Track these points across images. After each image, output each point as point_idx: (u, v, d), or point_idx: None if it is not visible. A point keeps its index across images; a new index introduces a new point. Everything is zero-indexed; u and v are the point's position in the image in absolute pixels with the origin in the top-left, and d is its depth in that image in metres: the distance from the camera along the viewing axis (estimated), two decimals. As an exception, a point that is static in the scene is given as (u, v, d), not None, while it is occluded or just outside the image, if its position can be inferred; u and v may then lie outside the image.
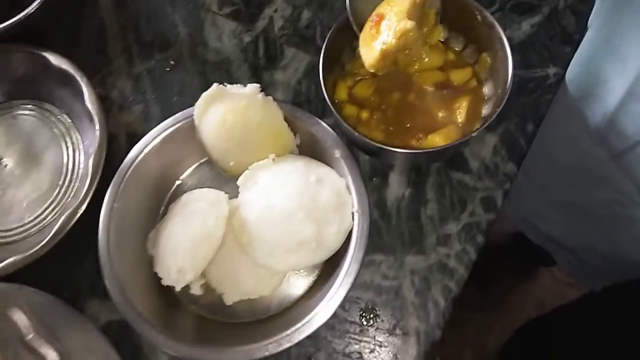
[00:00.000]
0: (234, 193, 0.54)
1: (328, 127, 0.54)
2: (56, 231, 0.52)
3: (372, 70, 0.50)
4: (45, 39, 0.61)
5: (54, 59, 0.59)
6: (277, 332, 0.47)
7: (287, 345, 0.46)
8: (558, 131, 0.65)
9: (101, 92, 0.63)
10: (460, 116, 0.52)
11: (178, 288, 0.51)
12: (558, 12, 0.64)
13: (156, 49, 0.67)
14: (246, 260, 0.51)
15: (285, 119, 0.54)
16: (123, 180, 0.53)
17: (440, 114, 0.53)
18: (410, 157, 0.53)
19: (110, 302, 0.49)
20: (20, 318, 0.39)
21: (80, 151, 0.62)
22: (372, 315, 0.53)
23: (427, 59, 0.54)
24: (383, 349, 0.52)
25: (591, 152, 0.61)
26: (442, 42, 0.55)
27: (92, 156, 0.54)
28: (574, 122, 0.61)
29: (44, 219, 0.59)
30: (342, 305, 0.47)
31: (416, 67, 0.54)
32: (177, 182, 0.59)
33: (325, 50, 0.51)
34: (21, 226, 0.59)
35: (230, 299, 0.52)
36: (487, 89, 0.53)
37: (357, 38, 0.51)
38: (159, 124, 0.56)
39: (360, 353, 0.52)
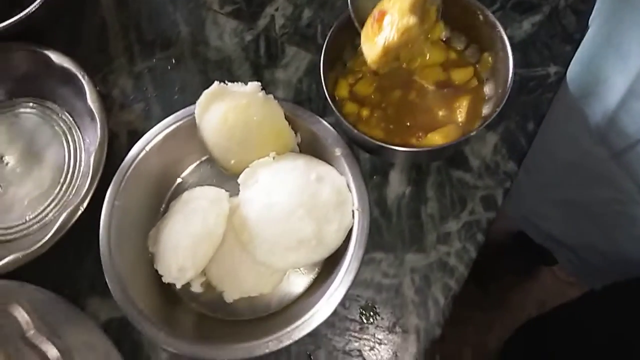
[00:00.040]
0: (234, 191, 0.54)
1: (329, 126, 0.54)
2: (57, 229, 0.52)
3: (374, 67, 0.50)
4: (46, 38, 0.61)
5: (56, 58, 0.59)
6: (277, 329, 0.47)
7: (287, 342, 0.46)
8: (559, 130, 0.65)
9: (102, 91, 0.64)
10: (461, 115, 0.52)
11: (179, 285, 0.51)
12: (559, 11, 0.64)
13: (157, 48, 0.67)
14: (247, 258, 0.52)
15: (286, 117, 0.54)
16: (124, 178, 0.54)
17: (440, 113, 0.53)
18: (410, 156, 0.53)
19: (110, 300, 0.49)
20: (21, 315, 0.39)
21: (81, 149, 0.62)
22: (372, 313, 0.53)
23: (428, 55, 0.54)
24: (383, 346, 0.52)
25: (592, 151, 0.61)
26: (443, 41, 0.55)
27: (93, 154, 0.55)
28: (574, 121, 0.61)
29: (45, 216, 0.59)
30: (342, 303, 0.48)
31: (418, 64, 0.54)
32: (178, 180, 0.59)
33: (326, 47, 0.51)
34: (22, 224, 0.59)
35: (230, 296, 0.52)
36: (487, 89, 0.53)
37: (358, 35, 0.51)
38: (160, 122, 0.56)
39: (360, 351, 0.52)
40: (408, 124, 0.52)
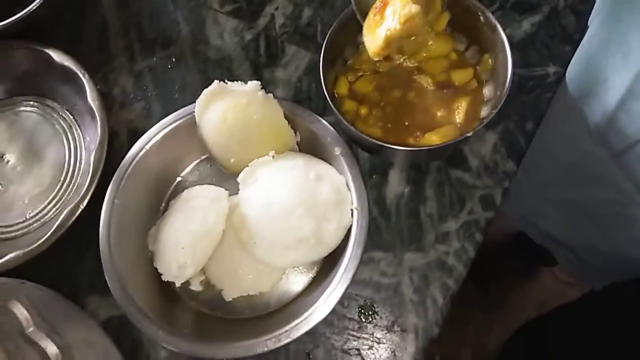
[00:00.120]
0: (234, 190, 0.54)
1: (328, 125, 0.54)
2: (57, 227, 0.52)
3: (376, 58, 0.50)
4: (47, 36, 0.62)
5: (57, 56, 0.59)
6: (276, 328, 0.47)
7: (286, 341, 0.47)
8: (558, 130, 0.65)
9: (103, 89, 0.64)
10: (459, 116, 0.52)
11: (178, 284, 0.51)
12: (558, 11, 0.64)
13: (158, 47, 0.67)
14: (246, 256, 0.52)
15: (286, 117, 0.54)
16: (124, 176, 0.54)
17: (439, 114, 0.53)
18: (409, 155, 0.53)
19: (110, 298, 0.49)
20: (20, 311, 0.39)
21: (81, 148, 0.62)
22: (370, 312, 0.53)
23: (433, 47, 0.53)
24: (381, 345, 0.52)
25: (591, 151, 0.61)
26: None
27: (94, 153, 0.55)
28: (573, 121, 0.62)
29: (46, 214, 0.59)
30: (341, 302, 0.48)
31: (423, 55, 0.54)
32: (178, 179, 0.59)
33: (325, 46, 0.51)
34: (22, 222, 0.59)
35: (229, 295, 0.52)
36: (487, 91, 0.53)
37: (360, 33, 0.51)
38: (160, 121, 0.56)
39: (358, 349, 0.52)
40: (406, 123, 0.52)
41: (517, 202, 0.82)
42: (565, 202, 0.73)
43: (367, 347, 0.53)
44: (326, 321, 0.48)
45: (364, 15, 0.51)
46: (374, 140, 0.48)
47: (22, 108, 0.65)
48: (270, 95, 0.53)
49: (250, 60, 0.65)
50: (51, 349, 0.38)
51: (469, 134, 0.47)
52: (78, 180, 0.60)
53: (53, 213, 0.59)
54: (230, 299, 0.52)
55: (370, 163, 0.58)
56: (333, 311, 0.47)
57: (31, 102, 0.65)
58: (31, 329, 0.39)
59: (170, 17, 0.69)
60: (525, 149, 0.58)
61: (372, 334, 0.53)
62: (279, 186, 0.51)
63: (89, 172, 0.54)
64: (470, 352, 1.21)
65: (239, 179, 0.54)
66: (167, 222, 0.53)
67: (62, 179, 0.61)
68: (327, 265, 0.53)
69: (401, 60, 0.54)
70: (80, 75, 0.58)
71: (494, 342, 1.18)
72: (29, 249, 0.52)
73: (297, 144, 0.56)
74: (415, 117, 0.53)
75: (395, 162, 0.58)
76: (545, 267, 1.25)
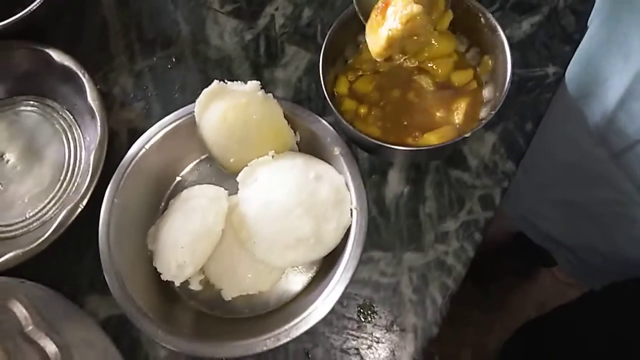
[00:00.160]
0: (233, 189, 0.54)
1: (328, 125, 0.54)
2: (57, 226, 0.52)
3: (379, 59, 0.50)
4: (47, 36, 0.62)
5: (57, 56, 0.59)
6: (275, 327, 0.48)
7: (285, 340, 0.47)
8: (557, 130, 0.65)
9: (103, 89, 0.64)
10: (458, 117, 0.52)
11: (177, 283, 0.51)
12: (558, 11, 0.64)
13: (158, 47, 0.67)
14: (245, 256, 0.52)
15: (286, 117, 0.54)
16: (124, 176, 0.54)
17: (438, 114, 0.53)
18: (408, 155, 0.53)
19: (109, 297, 0.49)
20: (19, 310, 0.39)
21: (81, 147, 0.62)
22: (369, 312, 0.54)
23: (436, 46, 0.53)
24: (380, 345, 0.52)
25: (590, 152, 0.61)
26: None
27: (93, 152, 0.55)
28: (573, 122, 0.62)
29: (45, 214, 0.59)
30: (340, 302, 0.48)
31: (426, 55, 0.53)
32: (178, 179, 0.60)
33: (327, 42, 0.51)
34: (22, 221, 0.59)
35: (229, 294, 0.52)
36: (486, 92, 0.53)
37: (361, 33, 0.51)
38: (159, 120, 0.56)
39: (357, 349, 0.53)
40: (405, 123, 0.53)
41: (517, 203, 0.82)
42: (564, 203, 0.73)
43: (366, 346, 0.53)
44: (325, 320, 0.48)
45: (366, 16, 0.51)
46: (373, 140, 0.48)
47: (22, 108, 0.65)
48: (270, 95, 0.53)
49: (250, 61, 0.65)
50: (50, 347, 0.38)
51: (466, 135, 0.47)
52: (78, 180, 0.61)
53: (53, 212, 0.59)
54: (230, 299, 0.52)
55: (369, 163, 0.59)
56: (332, 311, 0.47)
57: (31, 102, 0.65)
58: (30, 327, 0.39)
59: (170, 17, 0.69)
60: (524, 149, 0.58)
61: (371, 333, 0.53)
62: (278, 186, 0.52)
63: (88, 171, 0.54)
64: (470, 352, 1.21)
65: (238, 179, 0.54)
66: (167, 221, 0.53)
67: (62, 178, 0.61)
68: (327, 264, 0.53)
69: (402, 60, 0.54)
70: (80, 75, 0.58)
71: (493, 342, 1.18)
72: (28, 248, 0.52)
73: (297, 143, 0.56)
74: (415, 117, 0.53)
75: (394, 162, 0.58)
76: (545, 267, 1.25)
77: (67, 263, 0.57)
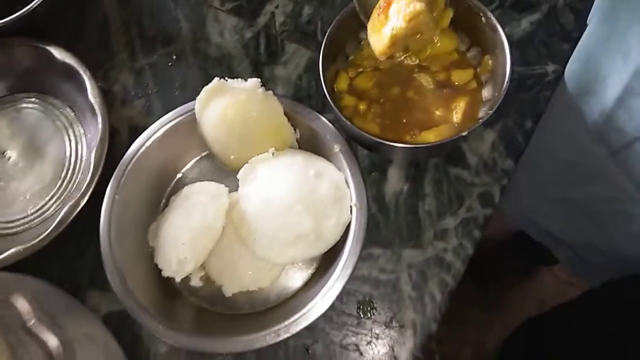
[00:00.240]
0: (234, 186, 0.54)
1: (328, 122, 0.54)
2: (58, 223, 0.52)
3: (382, 58, 0.50)
4: (48, 34, 0.62)
5: (58, 53, 0.60)
6: (276, 323, 0.48)
7: (285, 336, 0.47)
8: (557, 128, 0.65)
9: (104, 86, 0.64)
10: (457, 116, 0.52)
11: (178, 279, 0.51)
12: (557, 9, 0.64)
13: (158, 44, 0.67)
14: (245, 252, 0.52)
15: (286, 114, 0.54)
16: (124, 173, 0.54)
17: (437, 112, 0.53)
18: (407, 152, 0.53)
19: (110, 293, 0.50)
20: (21, 304, 0.39)
21: (82, 144, 0.62)
22: (369, 308, 0.54)
23: (439, 43, 0.53)
24: (380, 340, 0.53)
25: (589, 149, 0.61)
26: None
27: (95, 149, 0.55)
28: (572, 119, 0.62)
29: (47, 210, 0.60)
30: (339, 298, 0.48)
31: (428, 52, 0.54)
32: (178, 176, 0.60)
33: (327, 39, 0.51)
34: (24, 217, 0.60)
35: (229, 290, 0.53)
36: (486, 92, 0.53)
37: (362, 29, 0.51)
38: (160, 117, 0.57)
39: (357, 345, 0.53)
40: (404, 120, 0.53)
41: (517, 201, 0.82)
42: (564, 200, 0.73)
43: (366, 342, 0.53)
44: (325, 317, 0.48)
45: (367, 15, 0.51)
46: (373, 137, 0.48)
47: (24, 105, 0.65)
48: (270, 92, 0.53)
49: (251, 58, 0.65)
50: (52, 341, 0.39)
51: (463, 133, 0.47)
52: (79, 177, 0.61)
53: (54, 209, 0.60)
54: (230, 295, 0.53)
55: (369, 160, 0.59)
56: (332, 307, 0.47)
57: (32, 99, 0.65)
58: (32, 322, 0.39)
59: (170, 15, 0.69)
60: (523, 146, 0.59)
61: (371, 329, 0.53)
62: (278, 183, 0.52)
63: (89, 168, 0.54)
64: (471, 351, 1.21)
65: (238, 176, 0.54)
66: (168, 218, 0.54)
67: (63, 175, 0.61)
68: (326, 261, 0.53)
69: (403, 58, 0.55)
70: (82, 73, 0.59)
71: (494, 340, 1.19)
72: (30, 244, 0.52)
73: (297, 141, 0.56)
74: (413, 115, 0.53)
75: (393, 159, 0.59)
76: (545, 266, 1.25)
77: (68, 259, 0.57)
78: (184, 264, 0.50)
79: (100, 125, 0.56)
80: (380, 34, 0.49)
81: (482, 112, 0.52)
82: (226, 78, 0.53)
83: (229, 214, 0.52)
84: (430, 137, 0.51)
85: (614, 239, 0.68)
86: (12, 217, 0.60)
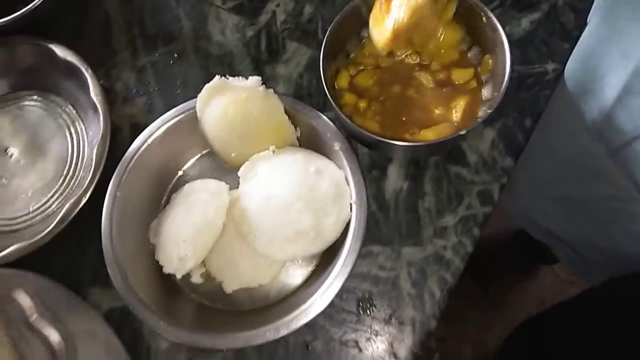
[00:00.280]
0: (234, 184, 0.55)
1: (328, 120, 0.54)
2: (60, 220, 0.53)
3: (385, 52, 0.50)
4: (50, 32, 0.62)
5: (60, 51, 0.60)
6: (276, 319, 0.48)
7: (285, 332, 0.47)
8: (556, 127, 0.65)
9: (105, 84, 0.64)
10: (456, 115, 0.52)
11: (179, 276, 0.52)
12: (557, 8, 0.64)
13: (160, 42, 0.68)
14: (246, 249, 0.52)
15: (286, 112, 0.54)
16: (126, 170, 0.54)
17: (436, 111, 0.53)
18: (407, 150, 0.53)
19: (112, 290, 0.50)
20: (24, 300, 0.40)
21: (84, 142, 0.63)
22: (368, 305, 0.54)
23: (442, 36, 0.53)
24: (379, 337, 0.53)
25: (589, 148, 0.61)
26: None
27: (96, 146, 0.55)
28: (572, 118, 0.62)
29: (48, 207, 0.60)
30: (339, 295, 0.48)
31: (432, 46, 0.54)
32: (179, 173, 0.60)
33: (328, 36, 0.51)
34: (26, 215, 0.60)
35: (230, 287, 0.53)
36: (486, 91, 0.53)
37: (364, 27, 0.51)
38: (161, 115, 0.57)
39: (356, 341, 0.53)
40: (404, 119, 0.53)
41: (516, 199, 0.83)
42: (563, 199, 0.73)
43: (365, 339, 0.53)
44: (325, 313, 0.48)
45: (369, 9, 0.51)
46: (373, 135, 0.48)
47: (26, 102, 0.65)
48: (271, 90, 0.54)
49: (252, 57, 0.66)
50: (54, 337, 0.39)
51: (462, 132, 0.47)
52: (81, 174, 0.61)
53: (56, 206, 0.60)
54: (231, 291, 0.53)
55: (369, 158, 0.59)
56: (332, 304, 0.48)
57: (34, 97, 0.65)
58: (34, 317, 0.39)
59: (172, 13, 0.69)
60: (523, 145, 0.59)
61: (370, 326, 0.53)
62: (279, 180, 0.52)
63: (91, 165, 0.55)
64: (471, 350, 1.22)
65: (239, 173, 0.54)
66: (169, 215, 0.54)
67: (65, 172, 0.61)
68: (326, 258, 0.53)
69: (403, 56, 0.55)
70: (83, 70, 0.59)
71: (494, 339, 1.19)
72: (32, 241, 0.52)
73: (297, 139, 0.56)
74: (413, 114, 0.53)
75: (394, 157, 0.59)
76: (545, 265, 1.25)
77: (70, 256, 0.57)
78: (185, 261, 0.51)
79: (101, 123, 0.56)
80: (383, 27, 0.48)
81: (482, 112, 0.52)
82: (227, 76, 0.53)
83: (229, 211, 0.53)
84: (430, 135, 0.51)
85: (613, 237, 0.68)
86: (14, 214, 0.60)
